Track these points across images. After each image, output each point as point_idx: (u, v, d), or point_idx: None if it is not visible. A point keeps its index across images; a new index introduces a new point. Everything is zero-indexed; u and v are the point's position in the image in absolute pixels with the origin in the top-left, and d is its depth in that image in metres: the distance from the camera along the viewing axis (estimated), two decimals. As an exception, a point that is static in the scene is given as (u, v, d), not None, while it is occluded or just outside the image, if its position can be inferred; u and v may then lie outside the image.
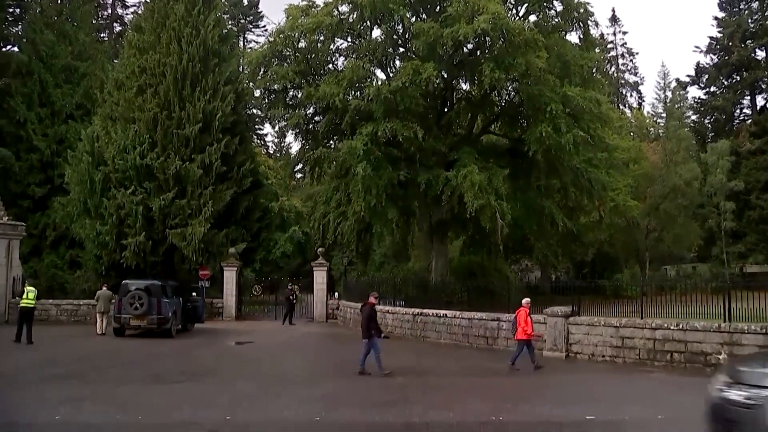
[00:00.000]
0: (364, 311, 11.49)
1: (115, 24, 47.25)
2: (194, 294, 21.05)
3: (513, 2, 22.32)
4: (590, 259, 36.80)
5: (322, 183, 27.05)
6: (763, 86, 45.76)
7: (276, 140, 62.12)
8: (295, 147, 62.36)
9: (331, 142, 24.79)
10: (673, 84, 50.84)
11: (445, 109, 23.76)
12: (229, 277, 25.43)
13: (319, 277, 26.23)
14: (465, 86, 23.77)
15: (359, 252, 28.96)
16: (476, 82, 21.04)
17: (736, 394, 4.31)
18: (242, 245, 26.20)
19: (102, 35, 42.09)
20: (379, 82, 21.40)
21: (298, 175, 39.13)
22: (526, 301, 12.17)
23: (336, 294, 27.73)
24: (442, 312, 17.20)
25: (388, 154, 21.70)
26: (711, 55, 47.77)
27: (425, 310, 17.89)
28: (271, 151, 55.18)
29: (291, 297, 24.78)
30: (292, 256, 51.68)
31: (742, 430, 4.14)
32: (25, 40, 30.64)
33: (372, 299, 11.52)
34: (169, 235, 24.33)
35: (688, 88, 48.78)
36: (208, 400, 8.75)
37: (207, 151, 25.23)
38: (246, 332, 20.10)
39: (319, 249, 26.68)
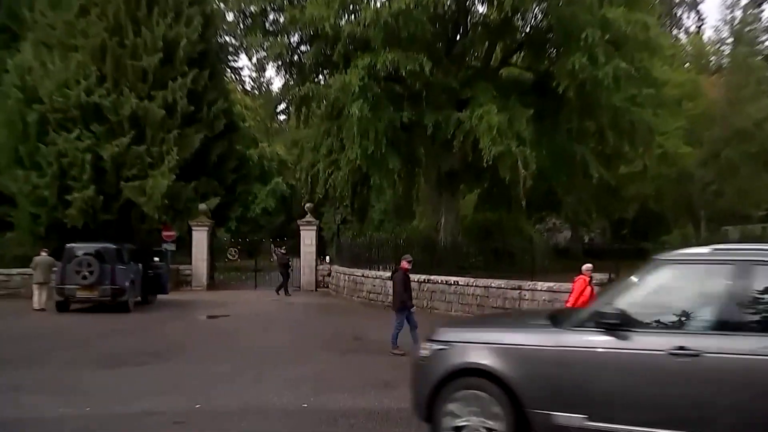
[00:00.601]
0: (395, 278, 11.52)
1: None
2: (157, 259, 21.05)
3: None
4: (631, 218, 36.83)
5: (310, 126, 26.78)
6: None
7: (254, 74, 61.34)
8: (278, 83, 61.71)
9: (321, 76, 24.39)
10: (744, 0, 48.71)
11: (458, 37, 23.21)
12: (199, 238, 25.52)
13: (307, 238, 26.32)
14: (481, 8, 23.11)
15: (354, 208, 28.97)
16: (495, 3, 20.46)
17: (421, 349, 5.95)
18: (214, 200, 26.18)
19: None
20: (378, 4, 20.82)
21: (282, 117, 38.74)
22: (586, 267, 11.21)
23: (327, 258, 27.90)
24: (452, 279, 17.34)
25: (389, 92, 21.39)
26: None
27: (433, 277, 18.03)
28: (249, 88, 54.48)
29: (288, 263, 24.77)
30: (274, 214, 51.80)
31: (416, 379, 5.87)
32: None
33: (405, 264, 11.49)
34: (124, 189, 24.21)
35: (764, 6, 46.52)
36: (174, 384, 8.82)
37: (170, 86, 24.84)
38: (220, 304, 20.27)
39: (307, 205, 26.66)
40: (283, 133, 62.74)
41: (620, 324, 4.96)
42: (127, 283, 17.95)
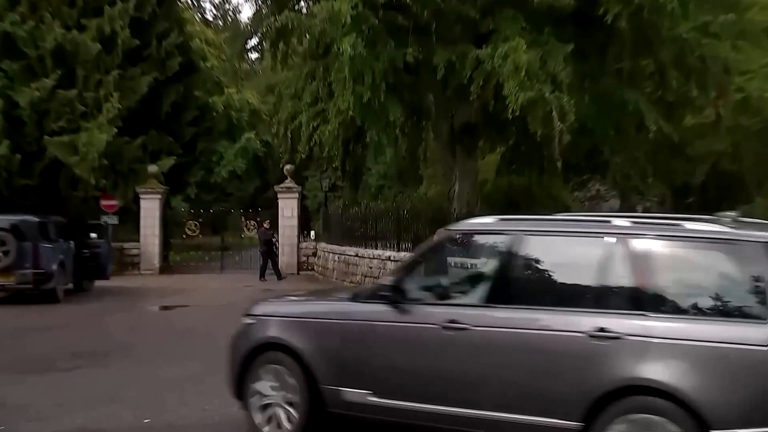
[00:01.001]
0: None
1: None
2: (94, 236, 21.07)
3: None
4: (699, 183, 36.72)
5: (290, 67, 26.57)
6: None
7: (217, 1, 60.75)
8: (247, 11, 61.05)
9: (303, 2, 24.24)
10: None
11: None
12: (149, 209, 25.63)
13: (287, 209, 26.45)
14: None
15: (346, 171, 28.88)
16: None
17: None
18: (168, 161, 26.26)
19: None
20: None
21: (253, 55, 38.53)
22: None
23: (312, 233, 28.03)
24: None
25: (390, 23, 21.16)
26: None
27: (444, 258, 18.15)
28: (210, 18, 54.17)
29: (274, 240, 24.78)
30: (245, 178, 51.91)
31: (228, 355, 6.95)
32: None
33: None
34: (49, 146, 24.21)
35: None
36: (116, 394, 8.86)
37: (106, 13, 24.72)
38: (176, 291, 20.42)
39: (287, 167, 26.69)
40: (255, 77, 62.49)
41: (400, 296, 5.78)
42: (54, 266, 17.94)
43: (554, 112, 18.92)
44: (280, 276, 24.41)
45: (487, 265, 5.88)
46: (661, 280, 5.15)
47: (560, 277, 5.57)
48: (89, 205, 25.91)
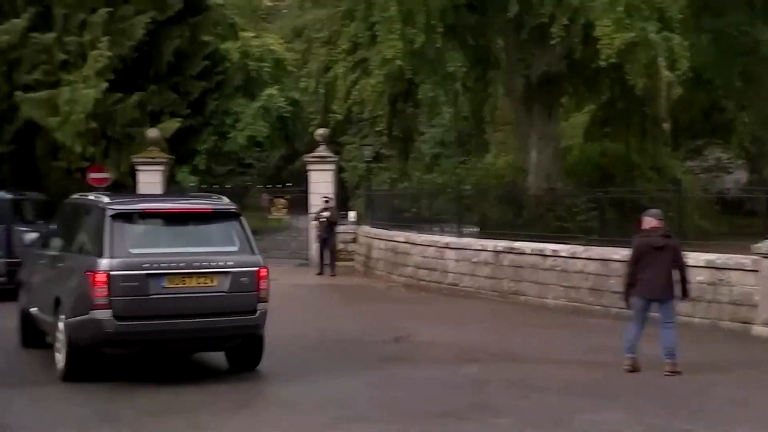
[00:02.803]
0: (654, 243, 11.06)
1: None
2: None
3: None
4: None
5: (323, 4, 26.61)
6: None
7: None
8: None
9: None
10: None
11: None
12: (149, 184, 25.78)
13: (320, 184, 26.43)
14: None
15: (394, 136, 28.83)
16: None
17: None
18: (172, 123, 26.43)
19: None
20: None
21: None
22: None
23: (352, 215, 27.94)
24: (549, 247, 17.29)
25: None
26: None
27: (517, 244, 18.03)
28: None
29: (333, 222, 24.51)
30: (267, 146, 51.95)
31: None
32: None
33: (655, 222, 11.16)
34: (22, 104, 24.41)
35: None
36: (108, 415, 8.97)
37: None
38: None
39: (319, 131, 26.67)
40: (278, 17, 62.51)
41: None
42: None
43: (661, 58, 18.71)
44: (333, 271, 24.11)
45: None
46: None
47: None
48: (74, 179, 26.24)
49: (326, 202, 24.79)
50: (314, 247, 26.33)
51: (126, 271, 9.74)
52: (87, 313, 9.73)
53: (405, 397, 9.64)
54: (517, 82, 23.52)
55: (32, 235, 15.67)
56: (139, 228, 10.47)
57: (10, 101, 24.47)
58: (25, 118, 24.55)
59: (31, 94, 24.29)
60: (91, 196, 11.74)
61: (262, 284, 10.45)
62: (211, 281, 10.16)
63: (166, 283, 9.90)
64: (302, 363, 11.72)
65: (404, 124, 28.08)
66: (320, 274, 23.86)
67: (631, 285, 11.20)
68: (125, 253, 9.90)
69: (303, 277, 23.52)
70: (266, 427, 8.39)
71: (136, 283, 9.77)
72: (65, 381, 10.18)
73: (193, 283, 10.07)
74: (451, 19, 21.04)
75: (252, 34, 47.33)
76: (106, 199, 10.91)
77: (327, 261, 24.24)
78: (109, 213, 10.18)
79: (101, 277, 9.62)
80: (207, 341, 10.60)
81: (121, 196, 14.68)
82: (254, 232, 24.98)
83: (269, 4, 52.29)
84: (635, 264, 11.10)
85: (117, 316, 9.62)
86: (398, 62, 20.99)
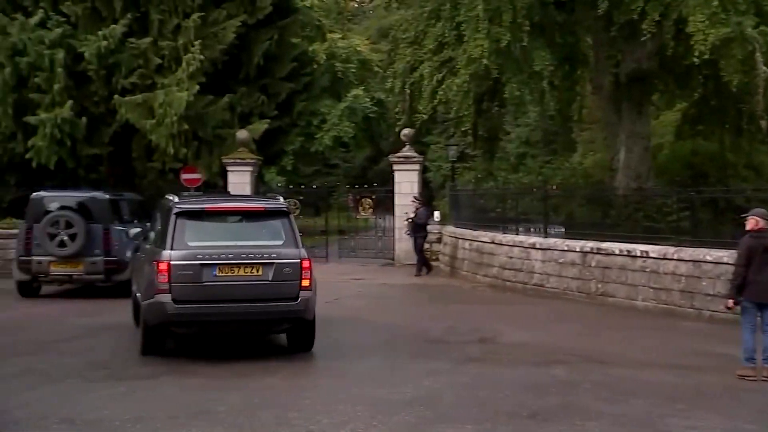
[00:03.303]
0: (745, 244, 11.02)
1: None
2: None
3: None
4: None
5: (409, 4, 26.62)
6: None
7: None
8: (355, -65, 61.32)
9: None
10: None
11: None
12: (239, 184, 26.16)
13: (405, 183, 26.52)
14: None
15: (479, 136, 28.69)
16: None
17: None
18: (261, 125, 26.72)
19: None
20: None
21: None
22: None
23: (437, 214, 27.91)
24: (638, 248, 17.05)
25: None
26: None
27: (605, 245, 17.86)
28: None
29: (418, 223, 24.51)
30: (353, 146, 52.29)
31: None
32: None
33: (763, 222, 11.04)
34: (120, 107, 24.97)
35: None
36: (203, 408, 9.12)
37: (181, -58, 25.32)
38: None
39: (405, 131, 26.71)
40: (364, 18, 62.83)
41: None
42: (128, 254, 18.48)
43: (758, 53, 18.34)
44: (427, 267, 24.18)
45: None
46: None
47: None
48: (167, 180, 26.73)
49: (413, 201, 24.86)
50: (400, 247, 26.42)
51: (183, 261, 11.28)
52: (153, 297, 11.36)
53: (491, 398, 9.59)
54: (605, 79, 23.33)
55: (135, 230, 17.61)
56: (198, 224, 11.93)
57: (108, 105, 25.05)
58: (122, 121, 25.08)
59: (128, 98, 24.80)
60: (169, 196, 13.06)
61: (305, 274, 11.63)
62: (257, 271, 11.48)
63: (217, 272, 11.33)
64: (388, 363, 11.77)
65: (489, 124, 27.91)
66: (417, 275, 23.79)
67: (740, 287, 10.91)
68: (184, 245, 11.43)
69: (389, 277, 23.61)
70: (354, 423, 8.44)
71: (192, 272, 11.27)
72: (143, 355, 11.87)
73: (241, 272, 11.42)
74: (538, 16, 20.92)
75: (338, 36, 47.67)
76: (175, 199, 12.39)
77: (411, 261, 24.34)
78: (175, 211, 11.74)
79: (163, 266, 11.22)
80: (254, 324, 12.04)
81: (193, 196, 15.74)
82: (340, 232, 25.49)
83: (355, 5, 52.51)
84: (746, 266, 10.83)
85: (175, 300, 11.15)
86: (484, 61, 20.92)
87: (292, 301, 11.53)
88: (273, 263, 11.53)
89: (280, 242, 11.83)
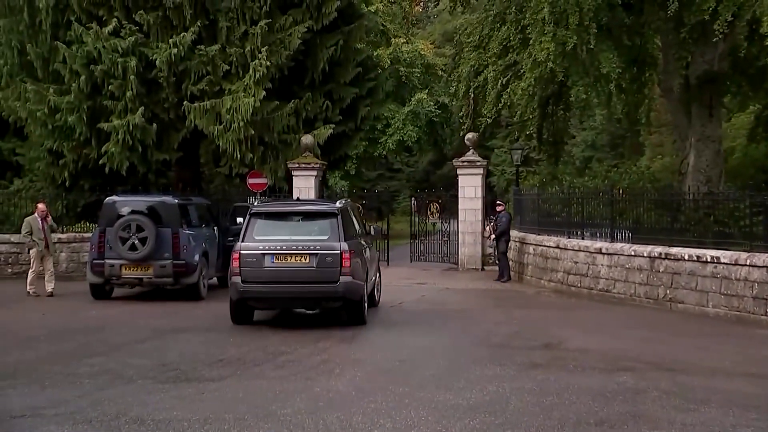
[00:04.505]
0: None
1: None
2: (240, 221, 21.90)
3: None
4: None
5: (473, 8, 26.60)
6: None
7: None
8: (419, -60, 61.51)
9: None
10: None
11: None
12: (304, 188, 26.42)
13: (469, 188, 26.53)
14: None
15: (544, 140, 28.56)
16: None
17: None
18: (326, 130, 26.88)
19: None
20: None
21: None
22: None
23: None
24: (709, 253, 16.79)
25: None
26: None
27: (674, 250, 17.63)
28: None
29: (497, 231, 24.30)
30: (417, 150, 52.34)
31: None
32: None
33: None
34: (190, 113, 25.35)
35: None
36: (270, 410, 9.18)
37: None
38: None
39: (469, 135, 26.71)
40: (429, 23, 62.85)
41: None
42: (196, 257, 18.95)
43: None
44: (507, 275, 23.98)
45: None
46: None
47: None
48: (234, 184, 26.99)
49: (497, 205, 24.90)
50: (463, 252, 26.36)
51: (249, 251, 14.53)
52: (232, 279, 14.74)
53: (557, 405, 9.49)
54: (675, 81, 23.07)
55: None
56: (264, 223, 15.13)
57: (178, 111, 25.45)
58: (191, 127, 25.46)
59: (197, 104, 25.18)
60: (252, 200, 16.19)
61: (345, 263, 14.42)
62: (305, 259, 14.51)
63: (274, 260, 14.51)
64: (453, 368, 11.73)
65: (554, 127, 27.76)
66: (499, 280, 23.62)
67: None
68: (252, 239, 14.69)
69: (452, 281, 23.59)
70: (418, 428, 8.44)
71: (255, 259, 14.52)
72: (234, 323, 15.15)
73: (292, 260, 14.50)
74: (605, 18, 20.84)
75: (403, 40, 47.72)
76: (255, 203, 15.73)
77: (474, 265, 24.33)
78: (250, 212, 15.32)
79: (236, 255, 14.59)
80: (304, 300, 15.19)
81: (268, 201, 19.01)
82: (413, 237, 26.19)
83: (420, 10, 52.58)
84: None
85: (244, 281, 14.46)
86: (550, 64, 20.90)
87: (333, 284, 14.37)
88: (317, 254, 14.48)
89: (326, 237, 14.73)
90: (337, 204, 15.92)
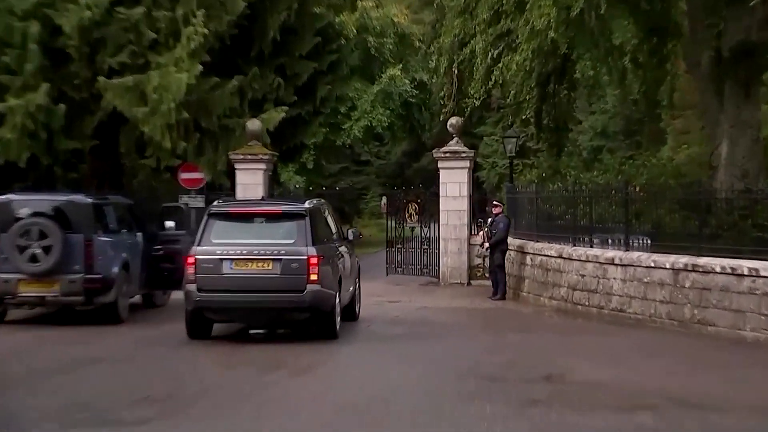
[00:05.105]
0: None
1: None
2: (171, 224, 21.84)
3: None
4: None
5: (458, -34, 26.66)
6: None
7: None
8: None
9: None
10: None
11: None
12: (249, 185, 26.30)
13: (452, 185, 26.61)
14: None
15: (543, 125, 28.66)
16: None
17: None
18: (277, 114, 26.83)
19: None
20: None
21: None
22: None
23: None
24: (746, 264, 16.81)
25: None
26: None
27: (703, 261, 17.64)
28: None
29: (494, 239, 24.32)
30: (389, 138, 52.36)
31: None
32: None
33: None
34: (106, 92, 25.14)
35: None
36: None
37: None
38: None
39: (452, 120, 26.71)
40: (402, -18, 62.86)
41: None
42: (115, 270, 18.68)
43: None
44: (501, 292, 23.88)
45: None
46: None
47: None
48: (163, 180, 26.88)
49: (493, 206, 24.75)
50: (445, 262, 26.34)
51: (206, 256, 15.44)
52: (186, 287, 15.50)
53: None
54: (703, 55, 23.07)
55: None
56: (223, 224, 16.01)
57: (92, 89, 25.19)
58: (109, 109, 25.24)
59: (116, 80, 24.92)
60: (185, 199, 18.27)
61: (312, 270, 15.18)
62: (267, 265, 15.32)
63: (233, 266, 15.33)
64: (434, 406, 11.68)
65: (557, 111, 27.87)
66: (494, 298, 23.60)
67: None
68: (209, 242, 15.53)
69: (432, 299, 23.56)
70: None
71: (212, 265, 15.39)
72: (190, 338, 16.03)
73: (253, 266, 15.34)
74: (618, -22, 20.86)
75: (372, 4, 47.66)
76: (188, 203, 16.92)
77: (457, 279, 24.43)
78: (208, 212, 16.13)
79: (191, 260, 15.46)
80: (267, 312, 15.84)
81: (229, 201, 20.24)
82: (388, 243, 26.08)
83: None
84: None
85: (199, 289, 15.29)
86: (551, 34, 20.93)
87: (299, 293, 15.17)
88: (281, 259, 15.33)
89: (291, 241, 15.59)
90: (306, 204, 16.84)
